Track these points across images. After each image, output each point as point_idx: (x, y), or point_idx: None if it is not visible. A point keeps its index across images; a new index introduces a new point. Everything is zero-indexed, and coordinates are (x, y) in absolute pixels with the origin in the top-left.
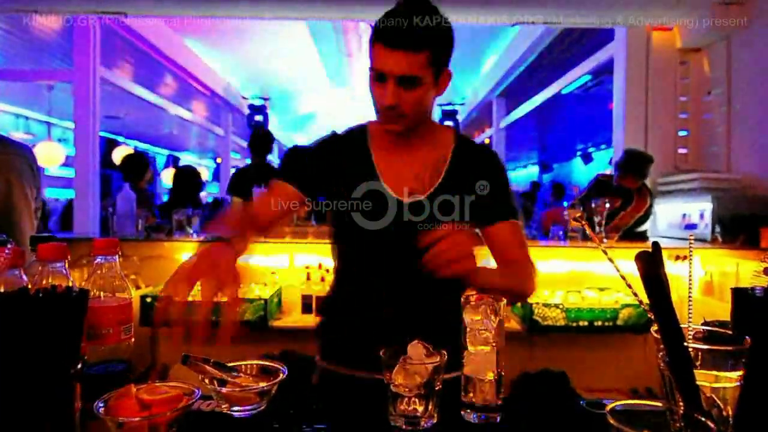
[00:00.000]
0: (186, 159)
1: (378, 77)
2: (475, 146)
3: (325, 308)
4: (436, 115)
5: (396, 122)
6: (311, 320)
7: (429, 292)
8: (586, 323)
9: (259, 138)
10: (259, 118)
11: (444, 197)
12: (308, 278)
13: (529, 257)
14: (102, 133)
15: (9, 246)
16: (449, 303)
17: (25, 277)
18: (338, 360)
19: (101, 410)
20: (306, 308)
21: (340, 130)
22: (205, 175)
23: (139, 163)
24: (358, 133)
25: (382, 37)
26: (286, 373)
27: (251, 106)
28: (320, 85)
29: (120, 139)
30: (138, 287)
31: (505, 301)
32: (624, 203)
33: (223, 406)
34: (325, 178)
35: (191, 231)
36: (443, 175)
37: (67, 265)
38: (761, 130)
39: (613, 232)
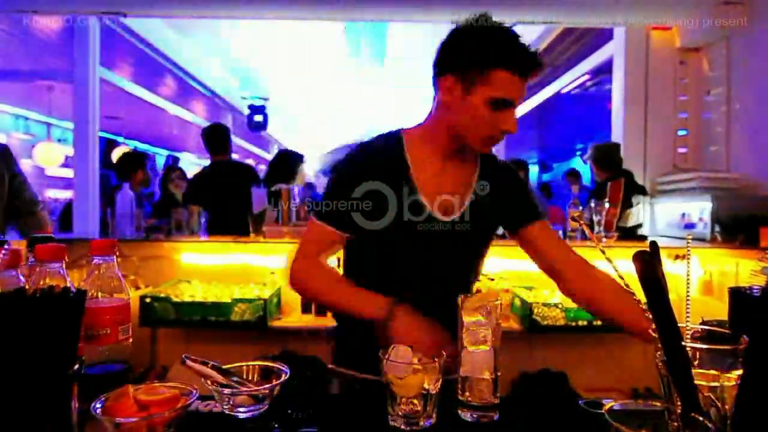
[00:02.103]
0: (186, 159)
1: (501, 104)
2: (497, 164)
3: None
4: None
5: (494, 145)
6: (310, 320)
7: (449, 304)
8: (585, 323)
9: (218, 135)
10: (259, 118)
11: (474, 213)
12: None
13: (574, 251)
14: (101, 134)
15: (6, 246)
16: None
17: (22, 278)
18: (352, 365)
19: (98, 411)
20: (305, 308)
21: (368, 137)
22: None
23: (130, 161)
24: (393, 143)
25: (517, 66)
26: (288, 373)
27: (251, 107)
28: (321, 86)
29: (120, 139)
30: (137, 287)
31: (500, 300)
32: (601, 197)
33: (225, 407)
34: (364, 200)
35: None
36: (472, 192)
37: (64, 266)
38: (761, 130)
39: (609, 230)
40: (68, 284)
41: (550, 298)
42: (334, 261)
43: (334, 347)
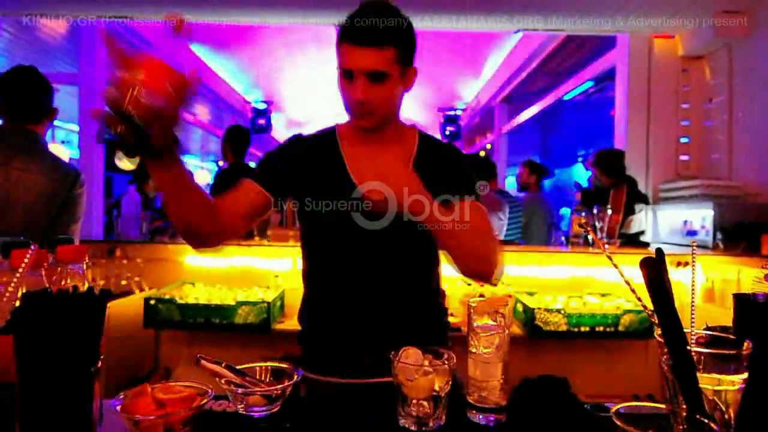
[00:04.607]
0: (188, 162)
1: (347, 75)
2: (438, 143)
3: (302, 315)
4: (437, 120)
5: (366, 118)
6: None
7: (404, 288)
8: (587, 329)
9: (240, 136)
10: (261, 122)
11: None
12: None
13: (495, 235)
14: (106, 136)
15: (32, 248)
16: (425, 298)
17: (44, 278)
18: (323, 370)
19: (118, 408)
20: None
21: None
22: (207, 177)
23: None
24: (328, 133)
25: (348, 35)
26: (301, 374)
27: (254, 110)
28: (323, 89)
29: None
30: (141, 289)
31: (510, 304)
32: (604, 203)
33: (239, 407)
34: (296, 178)
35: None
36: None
37: (85, 267)
38: (762, 137)
39: (611, 236)
40: (88, 285)
41: (552, 304)
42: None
43: (300, 350)
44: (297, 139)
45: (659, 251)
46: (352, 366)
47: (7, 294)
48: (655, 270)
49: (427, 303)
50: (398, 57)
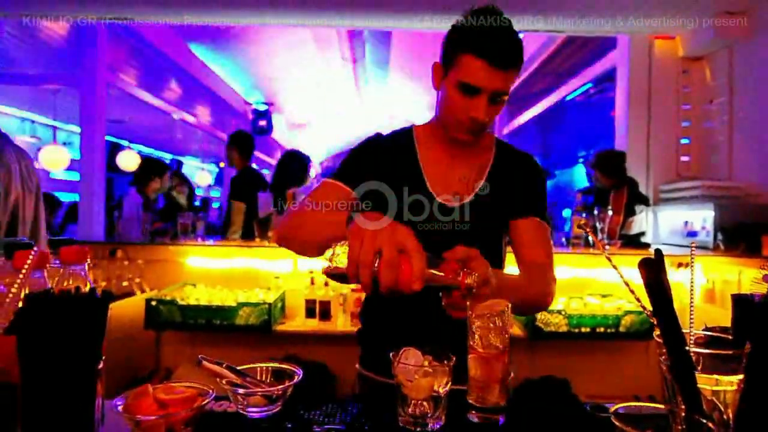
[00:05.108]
0: (189, 164)
1: (468, 90)
2: (516, 153)
3: (363, 314)
4: None
5: (474, 134)
6: (315, 325)
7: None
8: (588, 330)
9: (246, 141)
10: (262, 123)
11: (484, 200)
12: (312, 283)
13: (551, 263)
14: (107, 137)
15: (35, 249)
16: None
17: (47, 280)
18: (376, 369)
19: (120, 408)
20: (309, 313)
21: (385, 132)
22: (208, 179)
23: (150, 168)
24: (404, 136)
25: (484, 53)
26: (301, 375)
27: (255, 111)
28: (324, 91)
29: (124, 143)
30: (143, 290)
31: (510, 304)
32: (604, 205)
33: (239, 407)
34: (374, 179)
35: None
36: (485, 178)
37: (87, 268)
38: (763, 138)
39: (612, 237)
40: (91, 286)
41: (553, 305)
42: None
43: (360, 349)
44: (376, 139)
45: (658, 252)
46: None
47: (10, 295)
48: (653, 271)
49: None
50: (516, 75)
